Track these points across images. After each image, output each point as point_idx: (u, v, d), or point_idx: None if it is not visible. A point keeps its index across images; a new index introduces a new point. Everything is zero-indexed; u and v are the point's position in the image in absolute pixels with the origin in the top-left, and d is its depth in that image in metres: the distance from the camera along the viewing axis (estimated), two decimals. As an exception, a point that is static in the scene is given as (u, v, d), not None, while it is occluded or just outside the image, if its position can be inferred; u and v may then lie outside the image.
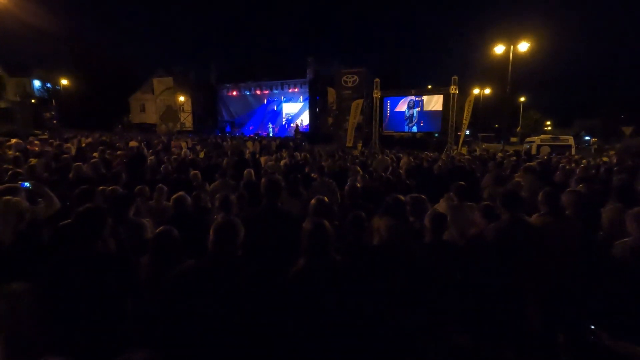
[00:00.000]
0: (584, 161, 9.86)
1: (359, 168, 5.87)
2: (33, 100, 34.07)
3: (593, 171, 7.54)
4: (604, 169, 7.53)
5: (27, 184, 3.48)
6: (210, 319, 1.74)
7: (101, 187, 3.75)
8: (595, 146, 13.95)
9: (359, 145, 21.52)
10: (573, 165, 9.11)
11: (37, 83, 40.24)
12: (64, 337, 1.84)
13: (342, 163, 7.98)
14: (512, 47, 16.45)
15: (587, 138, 44.04)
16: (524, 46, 16.22)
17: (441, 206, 3.80)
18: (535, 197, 3.67)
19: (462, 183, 3.85)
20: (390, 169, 7.63)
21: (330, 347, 1.95)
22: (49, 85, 39.32)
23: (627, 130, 20.03)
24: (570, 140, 20.24)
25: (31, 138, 11.80)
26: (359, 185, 3.90)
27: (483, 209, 2.94)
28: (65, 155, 7.02)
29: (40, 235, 2.45)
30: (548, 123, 52.33)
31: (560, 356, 2.83)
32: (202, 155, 10.41)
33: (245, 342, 1.77)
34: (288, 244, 2.39)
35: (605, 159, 12.70)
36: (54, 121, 22.38)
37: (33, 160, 5.97)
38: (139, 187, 4.21)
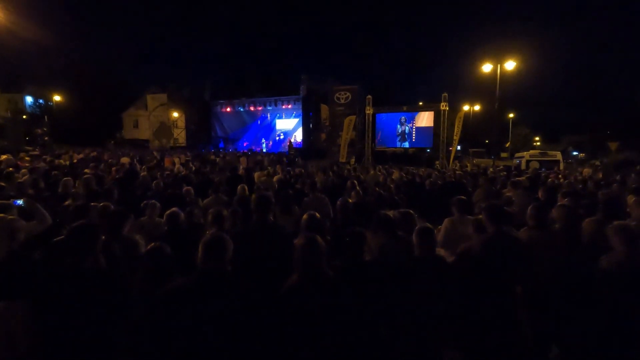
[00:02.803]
0: (582, 171, 10.02)
1: (356, 183, 5.92)
2: (25, 116, 33.87)
3: (580, 186, 7.69)
4: (592, 183, 7.69)
5: (19, 202, 3.47)
6: (200, 335, 1.74)
7: (93, 204, 3.74)
8: (598, 162, 13.95)
9: (352, 160, 21.71)
10: (561, 179, 9.29)
11: (29, 99, 40.10)
12: (56, 354, 1.82)
13: (336, 179, 8.03)
14: (499, 66, 16.94)
15: (574, 153, 44.92)
16: (510, 65, 16.72)
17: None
18: (524, 212, 3.74)
19: (463, 197, 3.92)
20: (381, 182, 7.70)
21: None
22: (41, 101, 39.19)
23: (613, 145, 20.53)
24: (559, 156, 20.69)
25: (22, 154, 11.70)
26: (351, 200, 3.94)
27: (476, 223, 2.99)
28: (56, 172, 6.98)
29: (33, 252, 2.44)
30: (537, 138, 53.40)
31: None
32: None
33: (237, 356, 1.77)
34: (279, 259, 2.41)
35: (587, 170, 12.97)
36: (45, 137, 22.19)
37: (24, 177, 5.93)
38: (145, 202, 4.20)
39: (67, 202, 4.28)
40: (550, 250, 2.85)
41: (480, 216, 3.28)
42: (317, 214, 3.02)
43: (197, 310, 1.73)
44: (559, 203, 3.72)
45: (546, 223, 3.09)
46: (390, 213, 3.10)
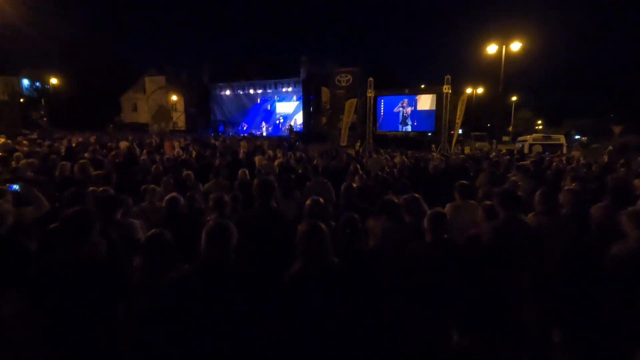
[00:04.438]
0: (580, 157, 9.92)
1: (359, 167, 5.84)
2: (22, 100, 33.46)
3: (585, 170, 7.59)
4: (596, 167, 7.59)
5: (15, 187, 3.39)
6: (205, 325, 1.69)
7: (91, 188, 3.67)
8: (611, 147, 13.19)
9: (357, 144, 21.46)
10: (564, 162, 9.17)
11: (26, 82, 39.57)
12: (52, 344, 1.77)
13: (338, 163, 7.94)
14: (504, 47, 16.56)
15: (577, 137, 44.57)
16: (516, 46, 16.33)
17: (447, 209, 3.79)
18: (529, 196, 3.68)
19: (465, 182, 3.85)
20: (386, 168, 7.61)
21: (327, 351, 1.91)
22: (38, 84, 38.68)
23: (617, 129, 20.31)
24: (562, 139, 20.51)
25: (19, 138, 11.56)
26: (354, 185, 3.86)
27: (486, 208, 2.92)
28: (54, 156, 6.88)
29: (27, 238, 2.37)
30: (539, 122, 52.87)
31: (557, 354, 2.83)
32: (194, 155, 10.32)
33: (241, 348, 1.73)
34: (282, 246, 2.35)
35: (576, 153, 12.77)
36: (44, 118, 21.92)
37: (23, 162, 5.84)
38: (144, 187, 4.13)
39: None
40: (558, 236, 2.79)
41: (488, 202, 3.22)
42: (321, 199, 2.94)
43: (201, 300, 1.68)
44: (566, 187, 3.64)
45: (555, 208, 3.02)
46: (396, 198, 3.02)
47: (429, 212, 2.61)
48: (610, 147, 10.48)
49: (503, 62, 16.66)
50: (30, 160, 5.80)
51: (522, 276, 2.59)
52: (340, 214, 3.52)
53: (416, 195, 3.06)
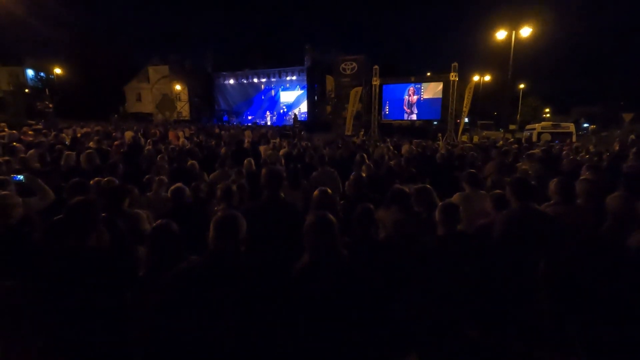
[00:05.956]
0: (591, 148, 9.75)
1: (365, 156, 5.76)
2: (27, 90, 33.49)
3: (596, 158, 7.44)
4: (608, 156, 7.43)
5: (20, 177, 3.36)
6: (213, 318, 1.65)
7: (97, 179, 3.64)
8: (633, 136, 12.25)
9: (361, 133, 21.29)
10: (574, 151, 9.00)
11: (30, 72, 39.57)
12: (58, 336, 1.75)
13: (344, 152, 7.85)
14: (514, 33, 16.13)
15: (585, 125, 43.83)
16: (526, 31, 15.90)
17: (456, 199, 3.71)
18: (541, 185, 3.58)
19: (474, 171, 3.76)
20: (386, 157, 7.50)
21: (338, 345, 1.87)
22: (42, 74, 38.65)
23: (628, 116, 19.86)
24: (571, 128, 20.07)
25: (25, 128, 11.59)
26: (364, 174, 3.80)
27: (495, 198, 2.84)
28: (59, 146, 6.87)
29: (32, 229, 2.35)
30: (547, 110, 52.02)
31: (571, 347, 2.79)
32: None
33: (250, 342, 1.69)
34: (292, 237, 2.29)
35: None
36: (50, 105, 21.90)
37: (31, 152, 5.84)
38: (148, 177, 4.11)
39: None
40: (576, 227, 2.71)
41: (498, 191, 3.14)
42: (329, 190, 2.88)
43: (209, 293, 1.63)
44: (583, 177, 3.54)
45: (572, 198, 2.93)
46: (406, 188, 2.95)
47: (440, 204, 2.54)
48: (633, 136, 10.05)
49: (512, 49, 16.25)
50: (32, 151, 5.79)
51: (536, 267, 2.52)
52: (348, 204, 3.47)
53: (427, 186, 2.98)
